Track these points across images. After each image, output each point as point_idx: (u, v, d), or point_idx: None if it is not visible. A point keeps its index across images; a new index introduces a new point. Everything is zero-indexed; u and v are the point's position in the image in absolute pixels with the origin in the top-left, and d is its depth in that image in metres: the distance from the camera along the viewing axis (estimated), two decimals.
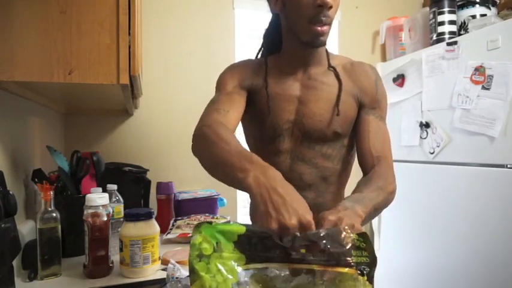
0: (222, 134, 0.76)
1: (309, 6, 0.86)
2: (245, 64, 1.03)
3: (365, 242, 0.56)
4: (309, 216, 0.57)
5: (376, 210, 0.75)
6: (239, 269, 0.52)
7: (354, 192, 0.78)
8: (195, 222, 1.40)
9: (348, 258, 0.54)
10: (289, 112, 0.95)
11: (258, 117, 0.98)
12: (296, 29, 0.91)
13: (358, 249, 0.55)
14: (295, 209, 0.56)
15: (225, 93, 0.96)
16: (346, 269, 0.53)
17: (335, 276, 0.53)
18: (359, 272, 0.54)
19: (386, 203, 0.82)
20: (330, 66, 0.97)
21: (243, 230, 0.54)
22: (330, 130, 0.93)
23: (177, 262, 0.94)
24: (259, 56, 1.06)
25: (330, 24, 0.88)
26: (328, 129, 0.93)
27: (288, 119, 0.95)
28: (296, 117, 0.95)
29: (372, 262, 0.55)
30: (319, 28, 0.87)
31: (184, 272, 0.87)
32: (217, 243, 0.53)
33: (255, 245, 0.54)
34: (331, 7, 0.85)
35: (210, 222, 0.55)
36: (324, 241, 0.54)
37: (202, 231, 0.54)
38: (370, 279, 0.54)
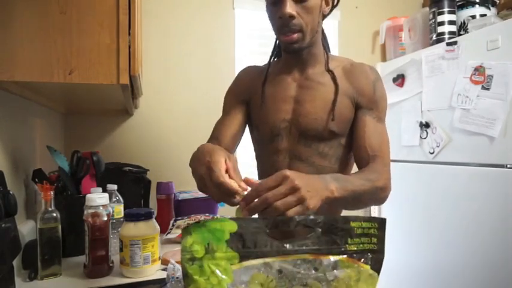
0: (203, 146, 0.80)
1: (275, 17, 0.91)
2: (246, 73, 1.09)
3: (379, 229, 0.53)
4: (208, 157, 0.67)
5: (356, 198, 0.74)
6: (233, 269, 0.51)
7: None
8: None
9: (342, 247, 0.52)
10: (285, 112, 0.97)
11: (257, 119, 1.03)
12: (276, 37, 0.99)
13: (366, 236, 0.53)
14: (200, 164, 0.69)
15: (224, 114, 1.07)
16: (339, 257, 0.52)
17: (330, 265, 0.52)
18: (363, 260, 0.52)
19: (373, 196, 0.82)
20: (327, 68, 0.98)
21: (235, 227, 0.52)
22: (325, 128, 0.94)
23: (177, 262, 0.94)
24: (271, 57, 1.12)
25: (299, 31, 0.90)
26: (323, 128, 0.94)
27: (284, 118, 0.97)
28: (293, 117, 0.97)
29: (380, 250, 0.53)
30: (286, 37, 0.90)
31: None
32: (208, 243, 0.52)
33: (248, 241, 0.52)
34: (291, 17, 0.87)
35: (199, 222, 0.53)
36: (320, 229, 0.53)
37: (192, 232, 0.52)
38: (376, 268, 0.53)
